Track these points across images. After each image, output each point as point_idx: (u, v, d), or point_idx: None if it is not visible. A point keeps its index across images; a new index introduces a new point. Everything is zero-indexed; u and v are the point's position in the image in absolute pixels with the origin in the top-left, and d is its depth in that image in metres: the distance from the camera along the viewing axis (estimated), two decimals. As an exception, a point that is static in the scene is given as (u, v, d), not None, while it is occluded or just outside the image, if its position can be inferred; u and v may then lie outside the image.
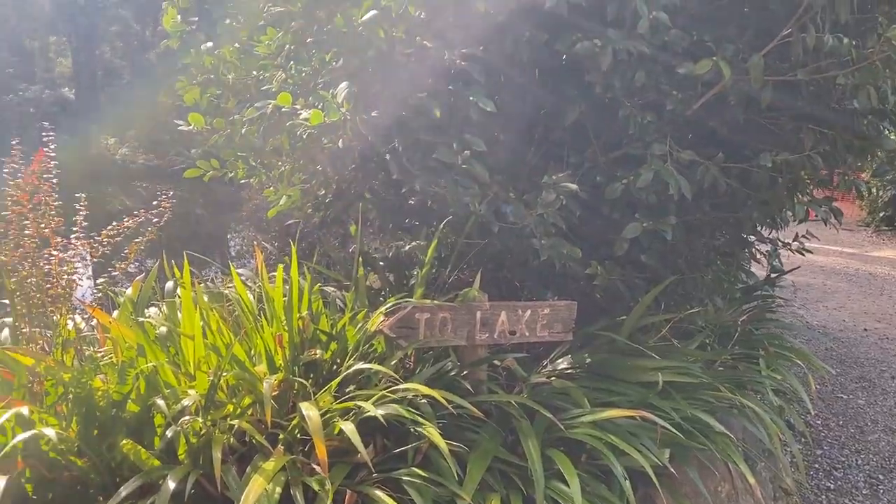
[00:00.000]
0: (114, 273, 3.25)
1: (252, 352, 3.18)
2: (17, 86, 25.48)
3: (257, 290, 3.82)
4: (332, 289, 4.10)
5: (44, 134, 3.29)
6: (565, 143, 3.90)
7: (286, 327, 3.22)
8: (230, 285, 4.29)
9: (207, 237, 20.52)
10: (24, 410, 2.51)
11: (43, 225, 3.02)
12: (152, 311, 3.71)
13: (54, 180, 3.05)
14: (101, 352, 3.25)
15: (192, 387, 2.86)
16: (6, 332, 3.40)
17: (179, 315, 3.63)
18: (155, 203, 3.36)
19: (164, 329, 3.30)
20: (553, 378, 3.33)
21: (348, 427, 2.54)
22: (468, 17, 3.45)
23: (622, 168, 3.63)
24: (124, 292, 3.96)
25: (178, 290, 3.93)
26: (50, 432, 2.42)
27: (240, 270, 4.41)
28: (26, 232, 2.99)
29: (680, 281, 3.74)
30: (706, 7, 3.65)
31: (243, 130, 4.36)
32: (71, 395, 2.76)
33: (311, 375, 3.20)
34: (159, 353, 3.03)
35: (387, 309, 3.11)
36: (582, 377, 3.40)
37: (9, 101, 24.96)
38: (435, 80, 3.35)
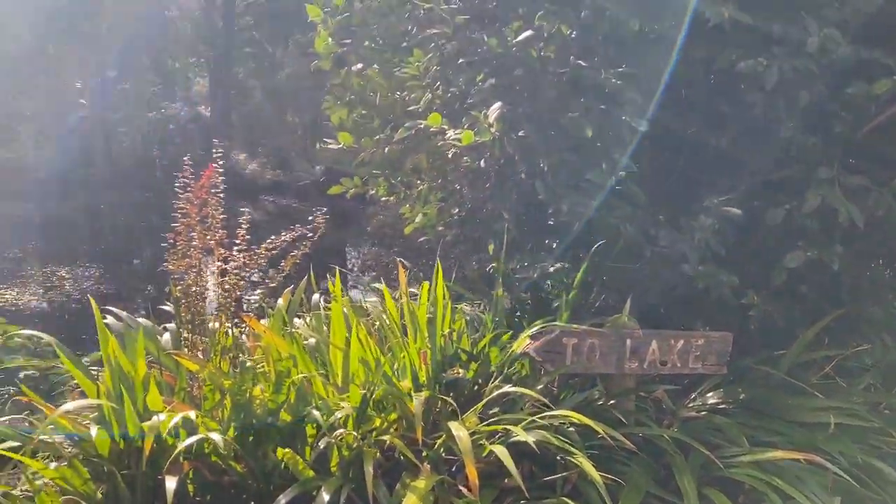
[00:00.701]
0: (270, 284, 3.37)
1: (396, 367, 3.21)
2: (160, 104, 27.43)
3: (397, 306, 3.88)
4: (468, 307, 4.10)
5: (214, 152, 3.44)
6: (717, 166, 3.73)
7: (429, 344, 3.23)
8: (370, 299, 4.38)
9: (325, 251, 21.31)
10: (192, 415, 2.63)
11: (209, 237, 3.18)
12: (298, 322, 3.84)
13: (221, 194, 3.20)
14: (252, 360, 3.38)
15: (343, 399, 2.91)
16: (167, 336, 3.61)
17: (326, 327, 3.75)
18: (311, 218, 3.46)
19: (312, 340, 3.40)
20: (705, 412, 3.17)
21: (500, 450, 2.50)
22: (621, 34, 3.38)
23: (782, 192, 3.43)
24: (270, 302, 4.13)
25: (321, 302, 4.06)
26: (217, 437, 2.52)
27: (375, 286, 4.50)
28: (193, 243, 3.16)
29: (844, 315, 3.47)
30: (881, 23, 3.40)
31: (387, 149, 4.45)
32: (230, 402, 2.88)
33: (451, 394, 3.20)
34: (310, 365, 3.11)
35: (533, 331, 3.05)
36: (736, 413, 3.22)
37: (152, 118, 26.89)
38: (587, 99, 3.29)
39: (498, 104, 3.12)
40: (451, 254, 5.70)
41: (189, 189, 3.25)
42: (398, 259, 5.53)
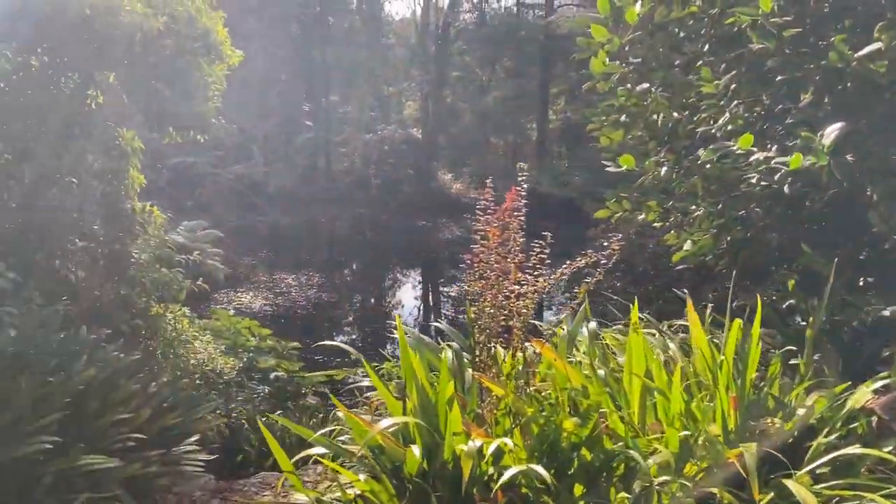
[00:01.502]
0: (562, 310, 3.26)
1: (702, 409, 2.96)
2: (377, 126, 29.20)
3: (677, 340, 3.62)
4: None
5: (519, 173, 3.41)
6: None
7: (737, 387, 2.95)
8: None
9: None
10: (509, 443, 2.57)
11: (509, 259, 3.14)
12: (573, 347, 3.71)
13: (522, 217, 3.15)
14: (534, 386, 3.29)
15: (654, 440, 2.72)
16: (449, 354, 3.62)
17: (617, 357, 3.58)
18: (606, 244, 3.31)
19: (602, 372, 3.25)
20: None
21: (865, 523, 2.16)
22: None
23: None
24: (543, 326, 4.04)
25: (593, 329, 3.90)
26: (542, 471, 2.42)
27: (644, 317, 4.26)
28: (494, 265, 3.13)
29: None
30: None
31: (662, 172, 4.21)
32: (535, 431, 2.79)
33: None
34: (606, 398, 2.95)
35: (878, 385, 2.66)
36: None
37: (368, 139, 28.64)
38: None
39: (838, 125, 2.77)
40: (714, 283, 5.30)
41: (489, 211, 3.23)
42: (676, 291, 5.21)
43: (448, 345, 3.73)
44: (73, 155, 5.17)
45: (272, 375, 7.84)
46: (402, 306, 17.74)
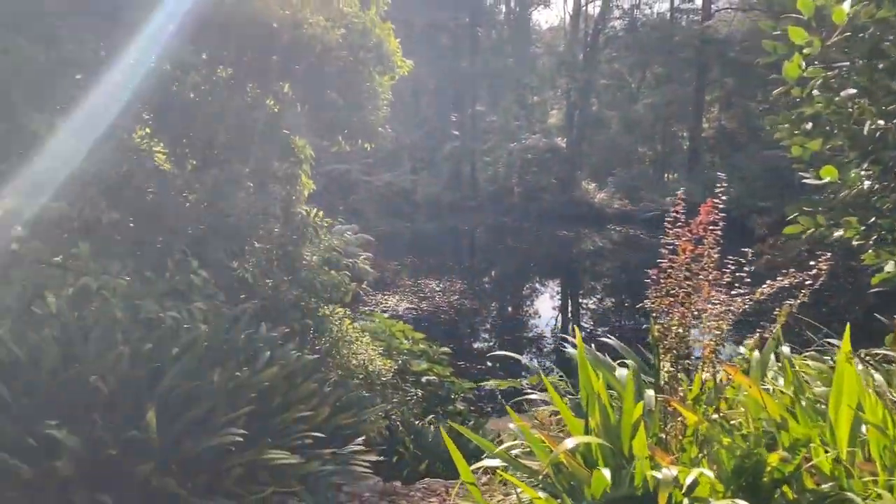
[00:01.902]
0: (763, 334, 3.02)
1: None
2: (521, 135, 29.17)
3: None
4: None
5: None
6: None
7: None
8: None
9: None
10: (709, 473, 2.39)
11: (701, 276, 2.95)
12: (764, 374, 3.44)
13: (719, 232, 2.95)
14: (724, 414, 3.06)
15: (871, 483, 2.44)
16: (623, 373, 3.46)
17: (811, 386, 3.28)
18: (813, 263, 3.03)
19: (805, 402, 2.97)
20: None
21: None
22: None
23: None
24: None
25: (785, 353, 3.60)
26: (750, 509, 2.23)
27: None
28: (684, 282, 2.95)
29: None
30: None
31: (865, 185, 3.83)
32: (730, 464, 2.59)
33: None
34: (814, 432, 2.69)
35: None
36: None
37: (512, 148, 28.66)
38: None
39: None
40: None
41: (681, 225, 3.05)
42: (879, 317, 4.74)
43: (623, 363, 3.58)
44: (257, 160, 5.49)
45: (424, 379, 7.96)
46: (540, 316, 17.56)
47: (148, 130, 5.86)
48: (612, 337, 4.00)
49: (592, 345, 5.06)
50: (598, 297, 19.91)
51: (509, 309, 18.91)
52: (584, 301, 19.52)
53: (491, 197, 28.94)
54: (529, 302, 19.79)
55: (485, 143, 29.30)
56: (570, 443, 2.66)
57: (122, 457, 3.08)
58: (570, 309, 19.01)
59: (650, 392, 3.18)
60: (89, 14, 4.64)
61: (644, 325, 16.08)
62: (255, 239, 5.23)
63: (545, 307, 18.91)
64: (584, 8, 31.37)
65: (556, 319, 17.41)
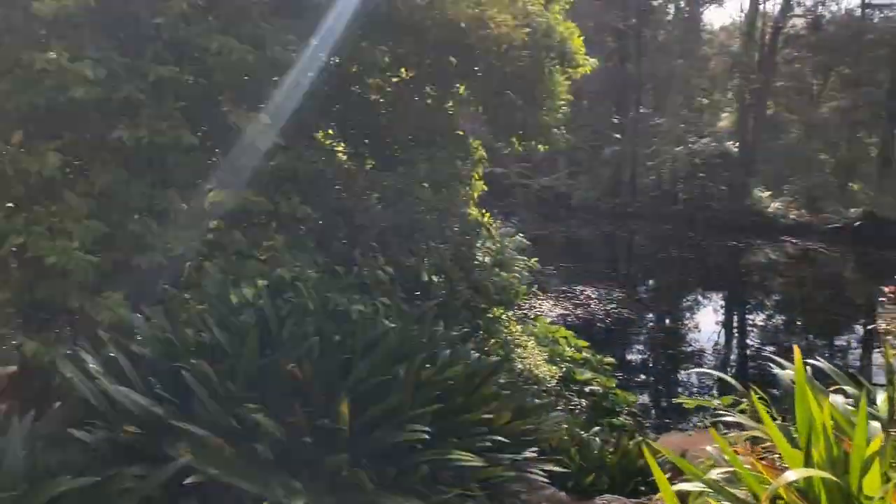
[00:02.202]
0: None
1: None
2: (688, 139, 27.81)
3: None
4: None
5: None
6: None
7: None
8: None
9: (849, 304, 18.61)
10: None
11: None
12: None
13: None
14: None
15: None
16: (836, 399, 3.10)
17: None
18: None
19: None
20: None
21: None
22: None
23: None
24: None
25: None
26: None
27: None
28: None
29: None
30: None
31: None
32: None
33: None
34: None
35: None
36: None
37: (678, 153, 27.41)
38: None
39: None
40: None
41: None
42: None
43: (840, 389, 3.21)
44: (436, 161, 5.53)
45: (587, 389, 7.72)
46: (700, 330, 16.64)
47: (330, 132, 6.09)
48: (773, 355, 3.61)
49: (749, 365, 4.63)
50: (767, 313, 18.56)
51: (667, 321, 18.11)
52: (751, 317, 18.26)
53: (652, 203, 27.85)
54: (690, 315, 18.81)
55: (648, 148, 28.24)
56: (791, 475, 2.40)
57: (315, 445, 3.16)
58: (734, 324, 17.87)
59: (875, 424, 2.83)
60: (287, 16, 4.87)
61: (820, 346, 14.81)
62: (432, 238, 5.27)
63: (707, 321, 17.89)
64: (761, 6, 29.45)
65: (719, 335, 16.42)
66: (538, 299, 17.06)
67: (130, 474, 2.94)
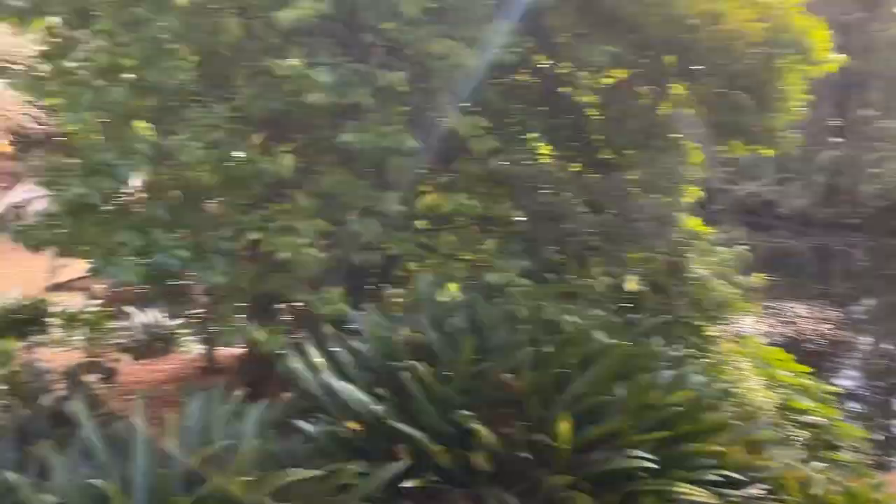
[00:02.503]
0: None
1: None
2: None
3: None
4: None
5: None
6: None
7: None
8: None
9: None
10: None
11: None
12: None
13: None
14: None
15: None
16: None
17: None
18: None
19: None
20: None
21: None
22: None
23: None
24: None
25: None
26: None
27: None
28: None
29: None
30: None
31: None
32: None
33: None
34: None
35: None
36: None
37: (909, 158, 24.34)
38: None
39: None
40: None
41: None
42: None
43: None
44: (650, 165, 5.23)
45: (807, 419, 6.96)
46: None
47: (537, 134, 5.96)
48: None
49: None
50: None
51: (890, 346, 16.21)
52: None
53: (876, 214, 24.95)
54: (919, 341, 16.71)
55: (872, 153, 25.33)
56: None
57: (530, 461, 3.05)
58: None
59: None
60: (504, 16, 4.80)
61: None
62: (647, 248, 4.97)
63: (938, 351, 15.81)
64: None
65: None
66: (740, 313, 15.88)
67: (352, 471, 3.00)
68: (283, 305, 5.68)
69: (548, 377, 3.37)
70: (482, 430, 3.04)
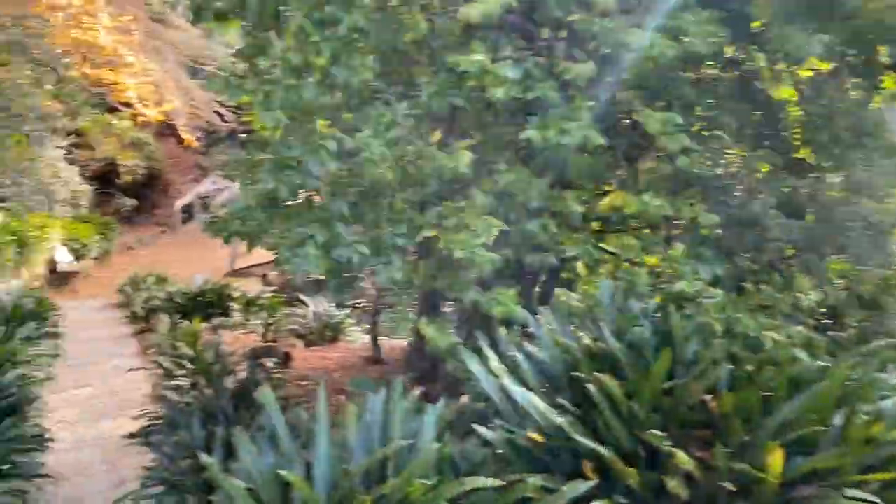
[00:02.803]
0: None
1: None
2: None
3: None
4: None
5: None
6: None
7: None
8: None
9: None
10: None
11: None
12: None
13: None
14: None
15: None
16: None
17: None
18: None
19: None
20: None
21: None
22: None
23: None
24: None
25: None
26: None
27: None
28: None
29: None
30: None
31: None
32: None
33: None
34: None
35: None
36: None
37: None
38: None
39: None
40: None
41: None
42: None
43: None
44: (855, 165, 4.67)
45: None
46: None
47: (725, 131, 5.51)
48: None
49: None
50: None
51: None
52: None
53: None
54: None
55: None
56: None
57: (732, 492, 2.76)
58: None
59: None
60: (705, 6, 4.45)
61: None
62: (860, 259, 4.43)
63: None
64: None
65: None
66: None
67: (535, 484, 2.85)
68: (450, 303, 5.65)
69: (751, 399, 3.04)
70: (680, 454, 2.79)
